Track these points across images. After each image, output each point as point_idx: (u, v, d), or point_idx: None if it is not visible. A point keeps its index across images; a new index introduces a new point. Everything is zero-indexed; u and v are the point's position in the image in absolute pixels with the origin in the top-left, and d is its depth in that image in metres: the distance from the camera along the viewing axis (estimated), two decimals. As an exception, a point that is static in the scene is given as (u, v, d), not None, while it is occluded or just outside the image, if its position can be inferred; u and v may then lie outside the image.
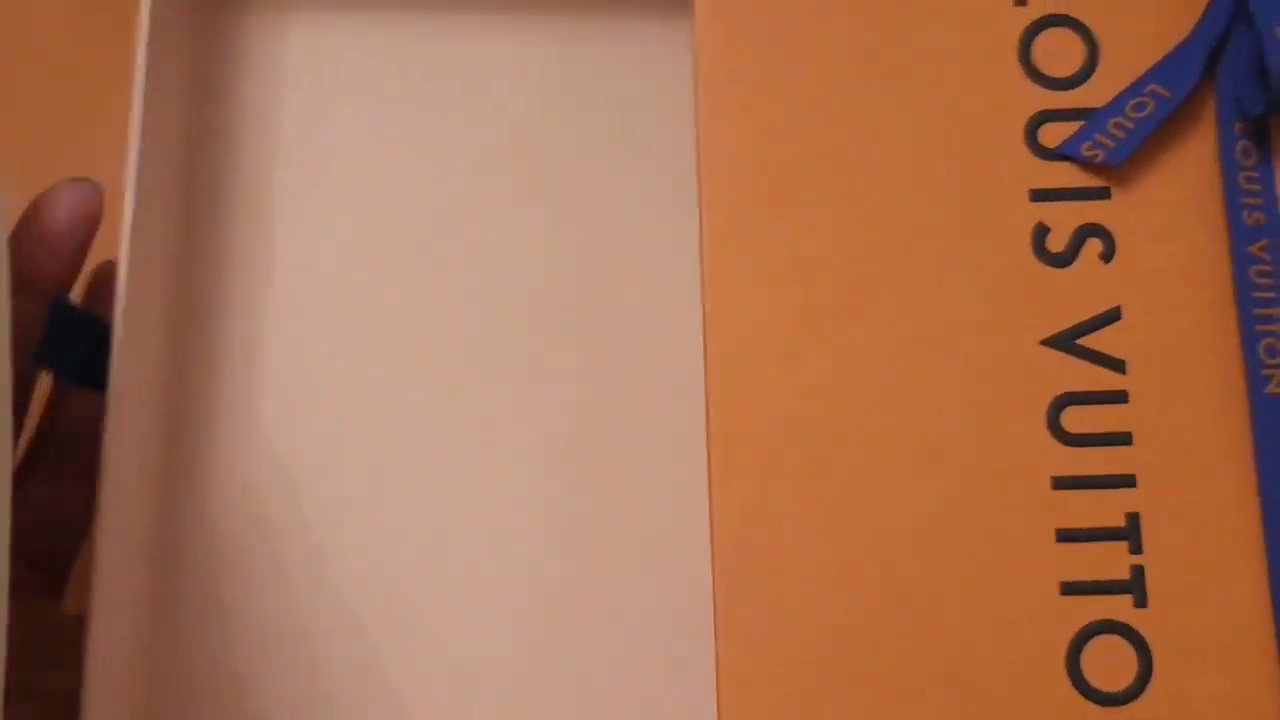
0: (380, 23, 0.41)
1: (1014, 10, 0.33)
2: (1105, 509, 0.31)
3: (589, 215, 0.40)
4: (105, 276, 0.36)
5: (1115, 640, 0.30)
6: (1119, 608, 0.30)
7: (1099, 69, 0.32)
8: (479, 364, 0.39)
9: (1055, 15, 0.33)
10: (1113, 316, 0.31)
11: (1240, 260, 0.31)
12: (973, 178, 0.32)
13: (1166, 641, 0.30)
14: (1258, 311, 0.31)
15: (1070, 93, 0.32)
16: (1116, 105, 0.32)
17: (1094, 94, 0.32)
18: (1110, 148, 0.32)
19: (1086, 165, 0.32)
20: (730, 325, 0.31)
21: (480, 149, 0.40)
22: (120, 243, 0.35)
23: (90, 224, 0.35)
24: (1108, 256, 0.32)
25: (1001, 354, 0.31)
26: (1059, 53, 0.32)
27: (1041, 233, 0.32)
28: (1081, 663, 0.30)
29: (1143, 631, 0.30)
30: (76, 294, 0.37)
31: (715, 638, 0.30)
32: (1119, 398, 0.31)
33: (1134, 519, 0.30)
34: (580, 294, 0.40)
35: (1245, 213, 0.32)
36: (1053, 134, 0.32)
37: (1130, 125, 0.32)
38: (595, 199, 0.40)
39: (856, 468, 0.31)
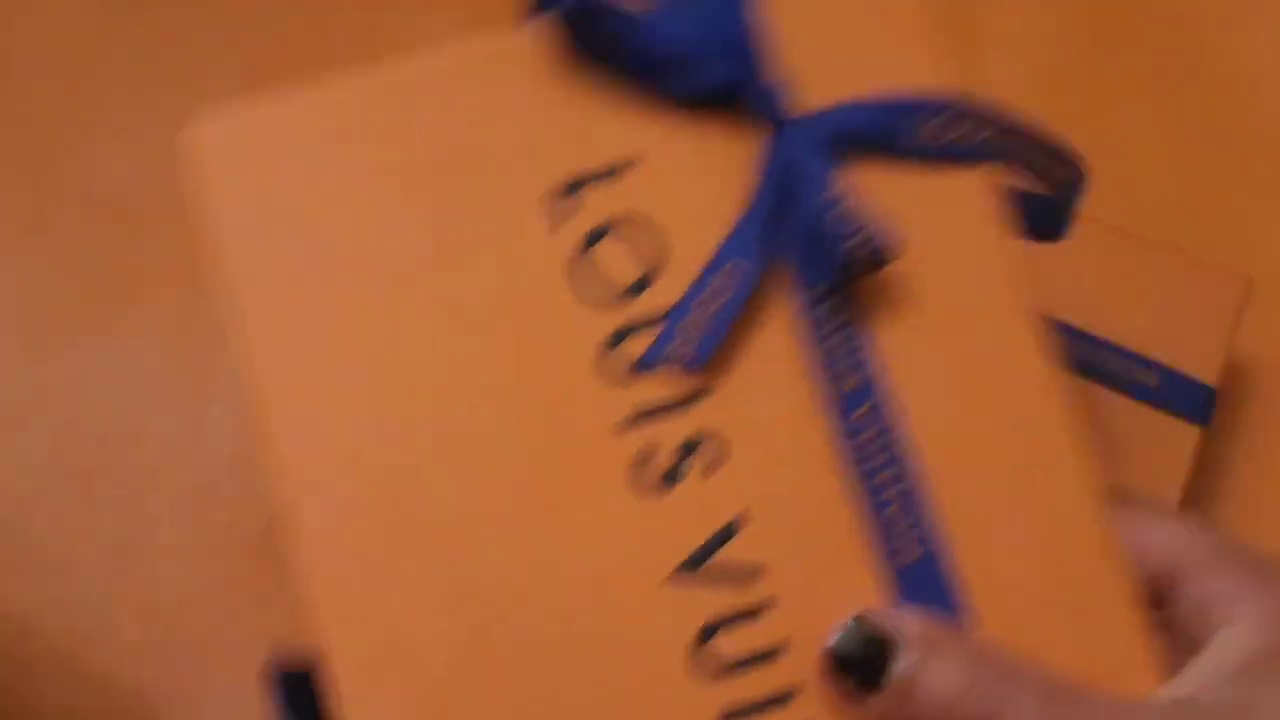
0: None
1: (550, 239, 0.31)
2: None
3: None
4: None
5: None
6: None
7: (666, 269, 0.31)
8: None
9: (600, 229, 0.31)
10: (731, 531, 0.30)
11: (845, 431, 0.30)
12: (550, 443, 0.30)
13: None
14: (875, 480, 0.30)
15: (639, 299, 0.31)
16: (684, 303, 0.30)
17: (663, 294, 0.31)
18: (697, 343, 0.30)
19: (674, 370, 0.30)
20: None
21: None
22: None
23: None
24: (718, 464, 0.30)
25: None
26: (616, 262, 0.31)
27: (640, 460, 0.30)
28: None
29: None
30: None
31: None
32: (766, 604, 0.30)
33: None
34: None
35: (841, 382, 0.30)
36: (636, 346, 0.30)
37: (711, 309, 0.30)
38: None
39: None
